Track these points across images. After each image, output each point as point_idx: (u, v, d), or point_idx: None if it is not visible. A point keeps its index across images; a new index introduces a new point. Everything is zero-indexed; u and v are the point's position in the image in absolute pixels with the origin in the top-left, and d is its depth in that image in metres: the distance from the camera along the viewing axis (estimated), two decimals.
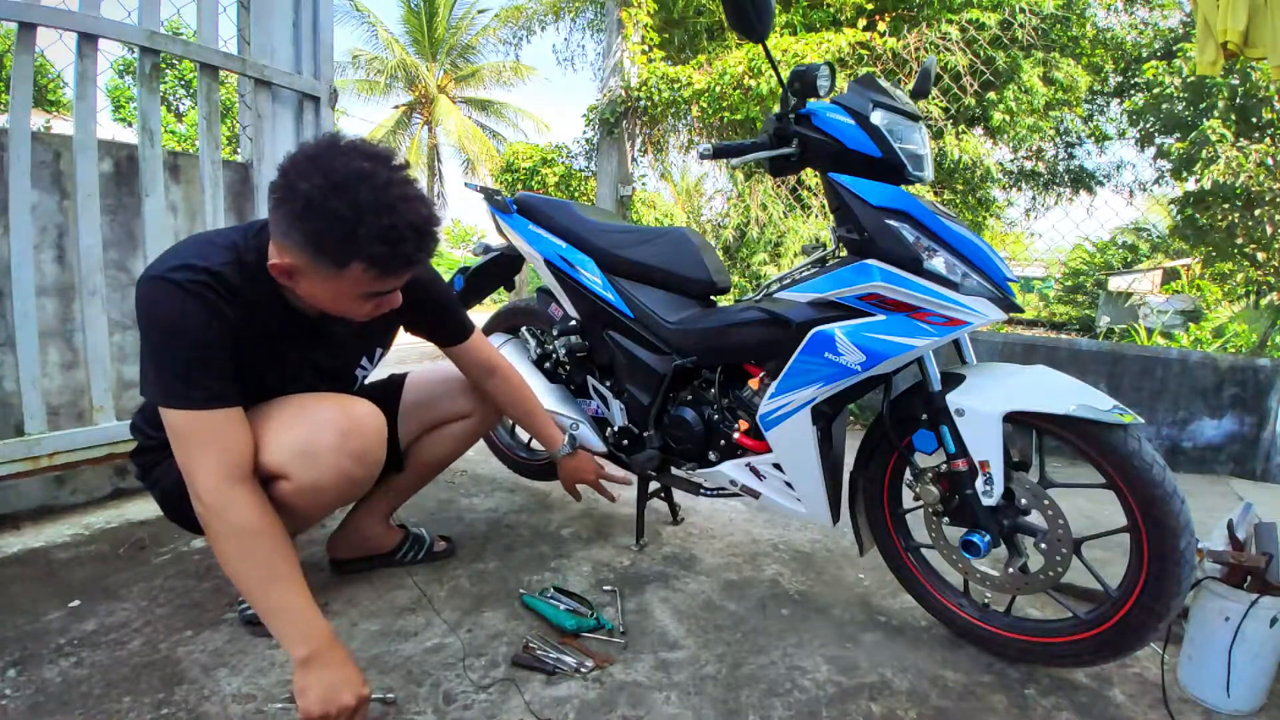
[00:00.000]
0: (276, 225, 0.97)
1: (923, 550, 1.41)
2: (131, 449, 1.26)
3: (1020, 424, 1.20)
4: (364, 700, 0.97)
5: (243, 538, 0.98)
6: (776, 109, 1.30)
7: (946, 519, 1.28)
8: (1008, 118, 5.39)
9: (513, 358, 1.86)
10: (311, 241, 0.94)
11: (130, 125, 13.03)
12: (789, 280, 1.40)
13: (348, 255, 0.95)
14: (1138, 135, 7.37)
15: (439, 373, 1.53)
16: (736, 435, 1.47)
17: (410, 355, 4.53)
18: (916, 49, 4.73)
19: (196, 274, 1.00)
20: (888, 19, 5.46)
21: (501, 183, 7.63)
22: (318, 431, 1.12)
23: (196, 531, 1.29)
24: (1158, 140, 7.22)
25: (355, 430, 1.16)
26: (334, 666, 0.96)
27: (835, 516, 1.39)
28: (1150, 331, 5.01)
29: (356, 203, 0.91)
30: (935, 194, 5.47)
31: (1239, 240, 6.58)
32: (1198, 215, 6.72)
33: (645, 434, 1.62)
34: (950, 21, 5.00)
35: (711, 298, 1.64)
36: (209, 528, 0.99)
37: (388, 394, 1.47)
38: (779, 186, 5.17)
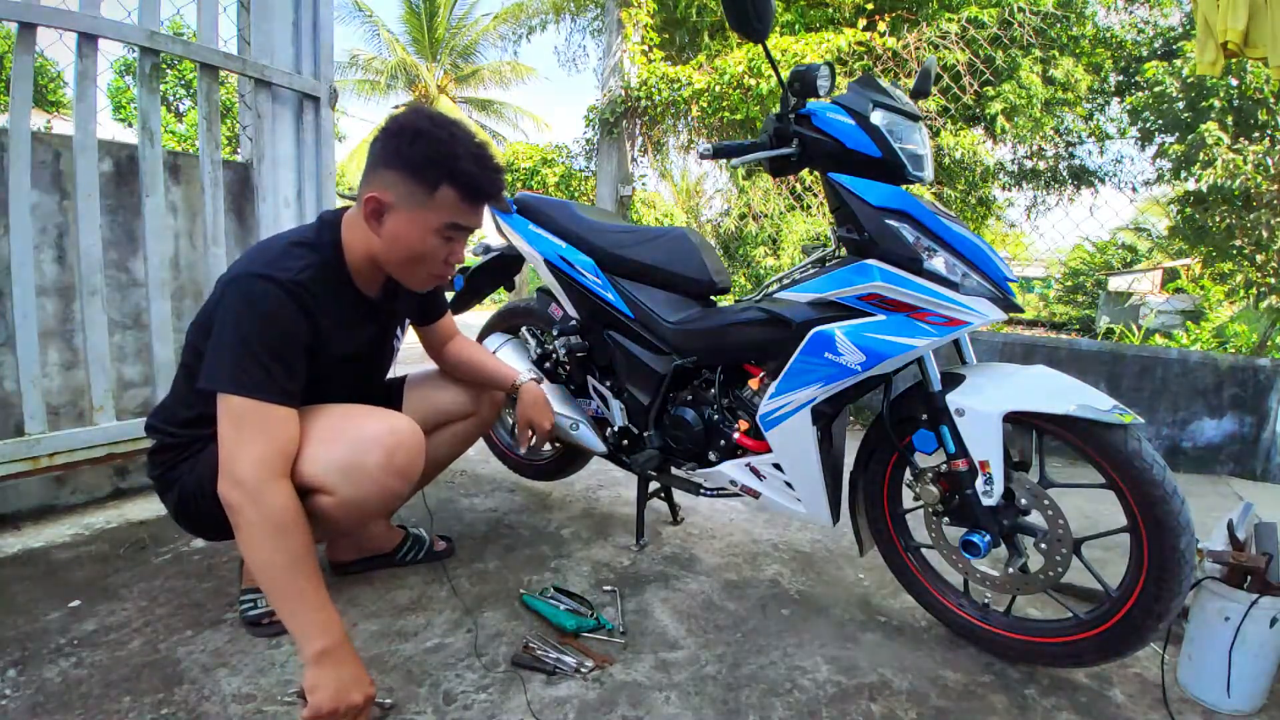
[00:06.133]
0: (377, 162, 1.09)
1: (923, 550, 1.41)
2: (149, 448, 1.24)
3: (1020, 424, 1.20)
4: (370, 700, 0.98)
5: (272, 527, 0.98)
6: (776, 109, 1.30)
7: (946, 519, 1.28)
8: (1008, 111, 5.39)
9: (513, 358, 1.86)
10: (410, 164, 1.06)
11: (130, 125, 13.03)
12: (789, 280, 1.40)
13: (441, 176, 1.07)
14: (1138, 134, 7.36)
15: (437, 372, 1.55)
16: (736, 435, 1.47)
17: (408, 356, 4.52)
18: (916, 48, 4.73)
19: (295, 275, 1.08)
20: (887, 19, 5.46)
21: None
22: (364, 449, 1.13)
23: (204, 536, 1.30)
24: (1158, 139, 7.21)
25: (400, 447, 1.17)
26: (346, 665, 0.97)
27: (835, 516, 1.39)
28: (1145, 331, 5.01)
29: (454, 135, 1.08)
30: (934, 194, 5.47)
31: (1238, 241, 6.58)
32: (1197, 215, 6.71)
33: (645, 434, 1.62)
34: (949, 20, 5.00)
35: (711, 298, 1.64)
36: (238, 513, 0.99)
37: (389, 397, 1.47)
38: (779, 186, 5.18)
